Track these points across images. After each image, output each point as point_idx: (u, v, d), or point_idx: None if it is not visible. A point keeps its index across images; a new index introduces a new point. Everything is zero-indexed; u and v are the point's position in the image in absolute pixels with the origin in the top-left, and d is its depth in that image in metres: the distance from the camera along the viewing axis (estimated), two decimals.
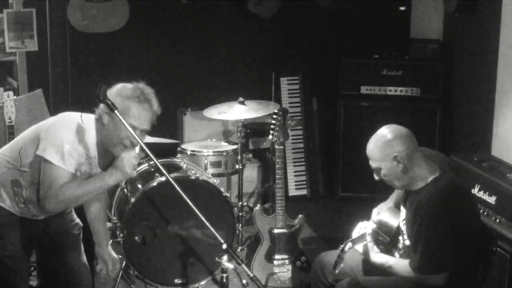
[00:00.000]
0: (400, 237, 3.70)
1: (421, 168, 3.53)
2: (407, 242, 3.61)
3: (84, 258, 3.76)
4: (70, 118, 3.38)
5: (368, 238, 3.70)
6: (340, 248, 3.60)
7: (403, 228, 3.65)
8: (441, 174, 3.53)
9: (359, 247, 3.74)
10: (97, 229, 3.83)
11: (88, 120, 3.40)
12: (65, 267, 3.66)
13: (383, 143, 3.52)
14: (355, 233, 3.78)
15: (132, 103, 3.32)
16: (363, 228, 3.76)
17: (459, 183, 3.59)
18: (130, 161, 3.28)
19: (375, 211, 3.87)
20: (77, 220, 3.74)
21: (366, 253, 3.69)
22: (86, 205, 3.76)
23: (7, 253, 3.45)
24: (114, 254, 3.89)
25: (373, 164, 3.57)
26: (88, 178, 3.38)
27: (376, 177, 3.61)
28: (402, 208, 3.70)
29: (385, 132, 3.56)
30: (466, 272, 3.56)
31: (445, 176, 3.54)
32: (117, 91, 3.36)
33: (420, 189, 3.53)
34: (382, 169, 3.54)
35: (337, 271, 3.62)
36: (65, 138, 3.28)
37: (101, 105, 3.33)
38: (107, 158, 3.46)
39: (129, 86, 3.39)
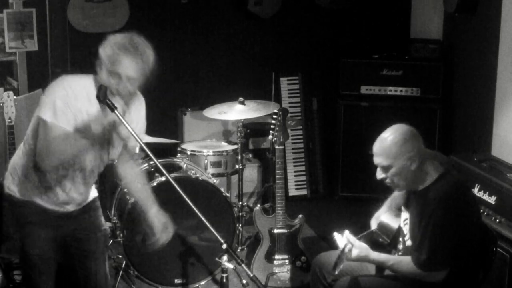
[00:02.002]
0: (400, 238, 3.70)
1: (427, 168, 3.54)
2: (408, 243, 3.61)
3: (106, 266, 3.68)
4: (66, 77, 3.35)
5: (357, 242, 3.65)
6: (340, 249, 3.59)
7: (404, 228, 3.65)
8: (445, 172, 3.55)
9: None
10: (137, 189, 3.65)
11: (87, 77, 3.36)
12: (86, 273, 3.60)
13: (401, 141, 3.49)
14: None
15: (117, 50, 3.23)
16: (339, 239, 3.70)
17: (464, 181, 3.61)
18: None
19: (373, 219, 3.88)
20: (106, 226, 3.70)
21: (362, 257, 3.64)
22: (116, 171, 3.63)
23: (34, 251, 3.43)
24: (163, 217, 3.55)
25: (383, 162, 3.52)
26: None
27: (379, 176, 3.58)
28: (403, 209, 3.70)
29: (401, 130, 3.54)
30: (467, 270, 3.57)
31: (451, 173, 3.56)
32: (107, 41, 3.29)
33: (427, 187, 3.53)
34: (394, 167, 3.50)
35: (336, 272, 3.61)
36: (58, 94, 3.25)
37: (97, 61, 3.28)
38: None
39: (119, 35, 3.31)
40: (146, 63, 3.27)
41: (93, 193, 3.63)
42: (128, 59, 3.22)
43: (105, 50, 3.24)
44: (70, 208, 3.49)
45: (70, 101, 3.25)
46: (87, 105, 3.28)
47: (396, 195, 3.90)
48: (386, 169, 3.54)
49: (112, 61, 3.22)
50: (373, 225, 3.86)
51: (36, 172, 3.38)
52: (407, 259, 3.54)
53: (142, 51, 3.25)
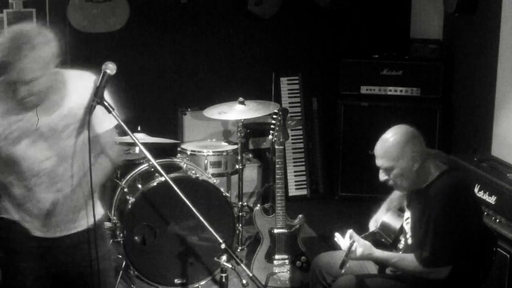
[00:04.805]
0: (402, 237, 3.71)
1: (429, 167, 3.55)
2: (410, 241, 3.61)
3: None
4: None
5: (361, 240, 3.66)
6: (346, 248, 3.58)
7: (406, 227, 3.66)
8: (447, 170, 3.55)
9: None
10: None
11: None
12: None
13: (402, 142, 3.50)
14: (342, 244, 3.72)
15: (1, 57, 2.76)
16: (341, 240, 3.71)
17: (465, 179, 3.62)
18: None
19: (372, 221, 3.88)
20: (113, 257, 3.35)
21: (366, 255, 3.65)
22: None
23: (15, 282, 3.14)
24: None
25: (385, 163, 3.53)
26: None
27: (381, 178, 3.59)
28: (406, 209, 3.71)
29: (402, 131, 3.54)
30: (467, 269, 3.57)
31: (453, 171, 3.57)
32: None
33: (428, 184, 3.54)
34: (396, 168, 3.51)
35: (343, 271, 3.60)
36: None
37: None
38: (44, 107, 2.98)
39: (2, 35, 2.84)
40: (41, 57, 2.88)
41: (97, 213, 3.12)
42: (16, 63, 2.76)
43: None
44: (57, 229, 3.06)
45: None
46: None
47: (394, 197, 3.91)
48: (388, 170, 3.54)
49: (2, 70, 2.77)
50: (372, 227, 3.86)
51: (9, 195, 3.07)
52: (410, 256, 3.54)
53: (30, 47, 2.81)
